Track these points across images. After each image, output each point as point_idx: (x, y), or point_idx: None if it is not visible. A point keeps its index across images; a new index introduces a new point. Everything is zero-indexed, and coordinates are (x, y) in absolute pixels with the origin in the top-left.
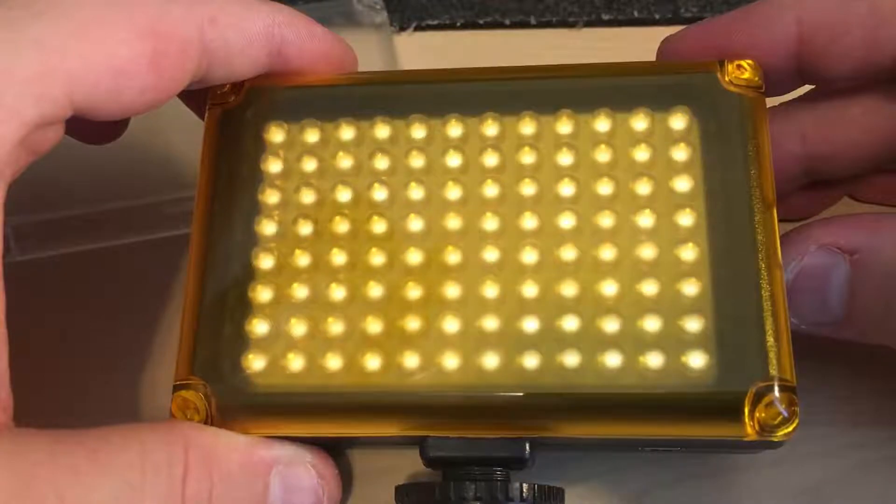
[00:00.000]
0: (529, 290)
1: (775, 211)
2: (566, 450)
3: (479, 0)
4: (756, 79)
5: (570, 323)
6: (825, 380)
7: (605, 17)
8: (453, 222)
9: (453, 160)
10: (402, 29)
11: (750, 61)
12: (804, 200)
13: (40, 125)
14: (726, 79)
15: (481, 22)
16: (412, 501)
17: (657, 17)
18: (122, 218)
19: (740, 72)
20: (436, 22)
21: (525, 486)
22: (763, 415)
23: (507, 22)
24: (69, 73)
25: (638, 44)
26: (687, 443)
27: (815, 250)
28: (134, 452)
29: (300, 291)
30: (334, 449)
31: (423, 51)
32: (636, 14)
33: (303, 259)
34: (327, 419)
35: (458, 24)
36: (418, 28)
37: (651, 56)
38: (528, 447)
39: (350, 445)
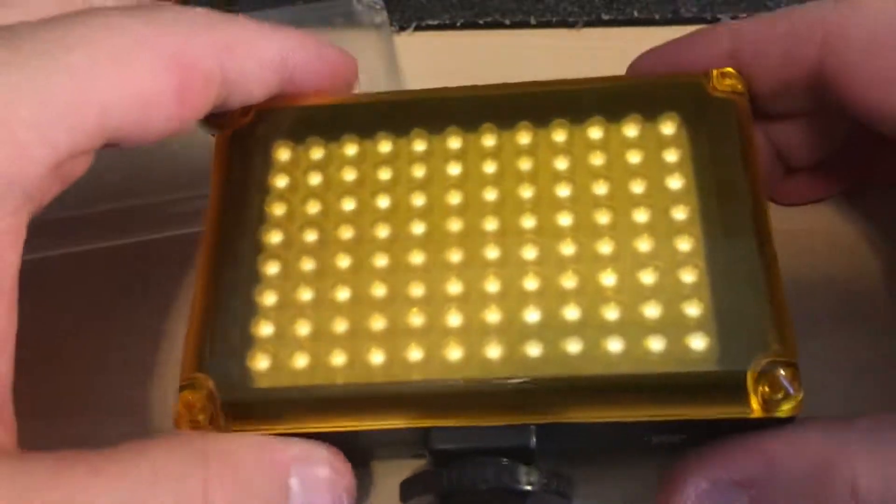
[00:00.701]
0: (530, 284)
1: (765, 201)
2: (572, 447)
3: (479, 0)
4: (739, 85)
5: (572, 313)
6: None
7: (605, 17)
8: (455, 225)
9: (454, 169)
10: (402, 29)
11: (732, 69)
12: (809, 185)
13: (72, 154)
14: (711, 85)
15: (481, 22)
16: (418, 491)
17: (657, 17)
18: (122, 218)
19: (724, 78)
20: (436, 22)
21: (533, 469)
22: (767, 391)
23: (507, 22)
24: (102, 103)
25: (638, 44)
26: (693, 426)
27: (708, 487)
28: (145, 468)
29: (305, 294)
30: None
31: (423, 51)
32: (636, 14)
33: (308, 264)
34: (333, 414)
35: (458, 24)
36: (418, 28)
37: None
38: (533, 437)
39: (357, 454)
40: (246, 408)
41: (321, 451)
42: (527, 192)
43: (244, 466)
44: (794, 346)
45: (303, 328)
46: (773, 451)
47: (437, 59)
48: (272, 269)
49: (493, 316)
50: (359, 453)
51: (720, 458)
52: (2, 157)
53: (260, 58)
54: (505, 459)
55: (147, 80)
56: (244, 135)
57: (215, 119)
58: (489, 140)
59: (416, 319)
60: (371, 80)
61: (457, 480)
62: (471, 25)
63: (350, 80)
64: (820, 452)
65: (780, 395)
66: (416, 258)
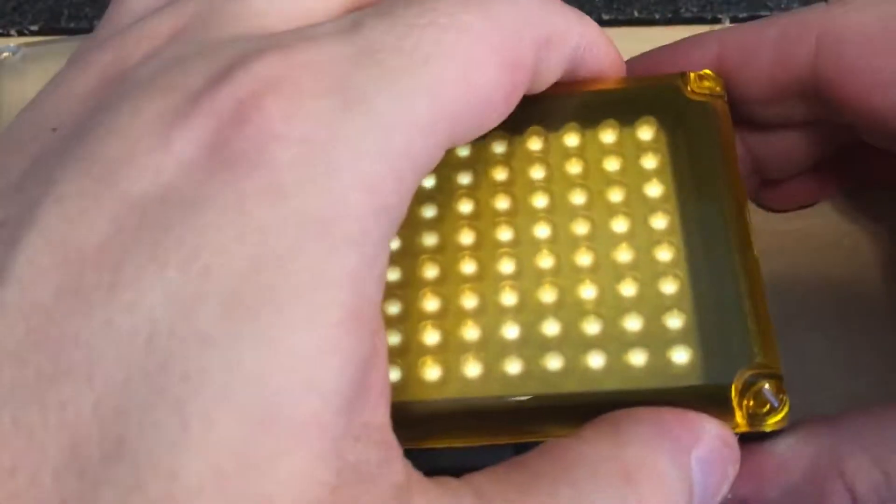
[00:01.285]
0: (508, 298)
1: (746, 207)
2: None
3: None
4: (717, 87)
5: (551, 327)
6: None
7: (605, 17)
8: (430, 239)
9: (428, 182)
10: None
11: (710, 71)
12: (803, 188)
13: (427, 169)
14: (689, 88)
15: None
16: None
17: (657, 17)
18: None
19: (702, 80)
20: None
21: None
22: (751, 404)
23: None
24: (452, 116)
25: (638, 44)
26: None
27: None
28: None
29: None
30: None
31: None
32: (636, 14)
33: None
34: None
35: None
36: None
37: None
38: (511, 456)
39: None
40: None
41: (709, 422)
42: (502, 204)
43: (667, 475)
44: (778, 358)
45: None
46: (766, 467)
47: None
48: None
49: (471, 333)
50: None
51: None
52: (386, 190)
53: (562, 49)
54: None
55: (490, 86)
56: None
57: None
58: (463, 150)
59: (394, 338)
60: None
61: None
62: None
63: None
64: (810, 462)
65: (765, 409)
66: (430, 272)
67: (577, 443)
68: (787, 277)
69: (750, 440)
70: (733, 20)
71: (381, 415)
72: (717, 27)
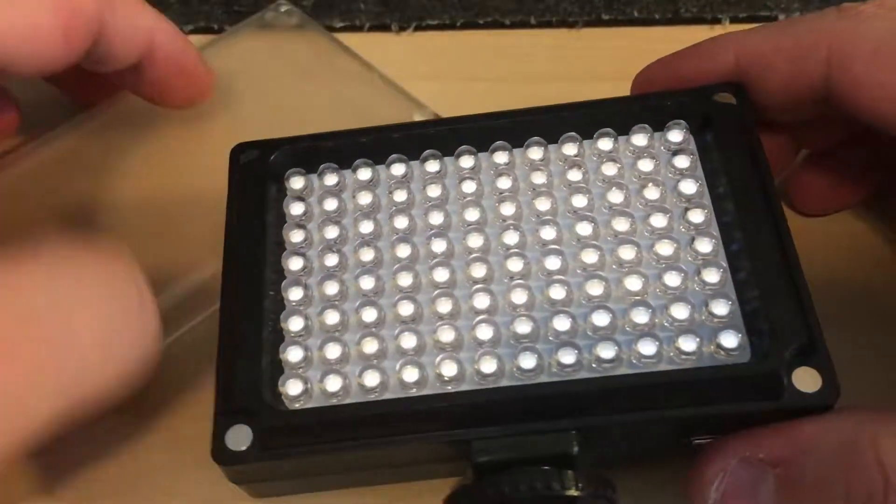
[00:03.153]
0: (557, 293)
1: (777, 196)
2: (612, 453)
3: (479, 0)
4: (742, 92)
5: (602, 318)
6: None
7: (605, 17)
8: (475, 241)
9: (468, 187)
10: (402, 29)
11: (733, 80)
12: (824, 194)
13: None
14: (715, 93)
15: (481, 22)
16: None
17: (657, 17)
18: None
19: (728, 87)
20: (436, 22)
21: (579, 475)
22: (801, 381)
23: (507, 22)
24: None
25: (638, 44)
26: (730, 421)
27: (737, 464)
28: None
29: (331, 317)
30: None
31: (423, 51)
32: (636, 14)
33: (331, 287)
34: (370, 431)
35: (458, 24)
36: (418, 28)
37: (651, 56)
38: (575, 443)
39: (395, 472)
40: (282, 432)
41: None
42: (543, 205)
43: None
44: (822, 337)
45: (332, 351)
46: (802, 432)
47: (437, 59)
48: (296, 294)
49: (523, 326)
50: (397, 471)
51: (749, 438)
52: None
53: (135, 24)
54: (548, 467)
55: (37, 17)
56: (257, 166)
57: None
58: (502, 158)
59: (447, 335)
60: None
61: (505, 489)
62: (471, 25)
63: (204, 91)
64: (848, 433)
65: (814, 386)
66: (440, 275)
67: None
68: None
69: (794, 416)
70: (733, 20)
71: None
72: (716, 27)
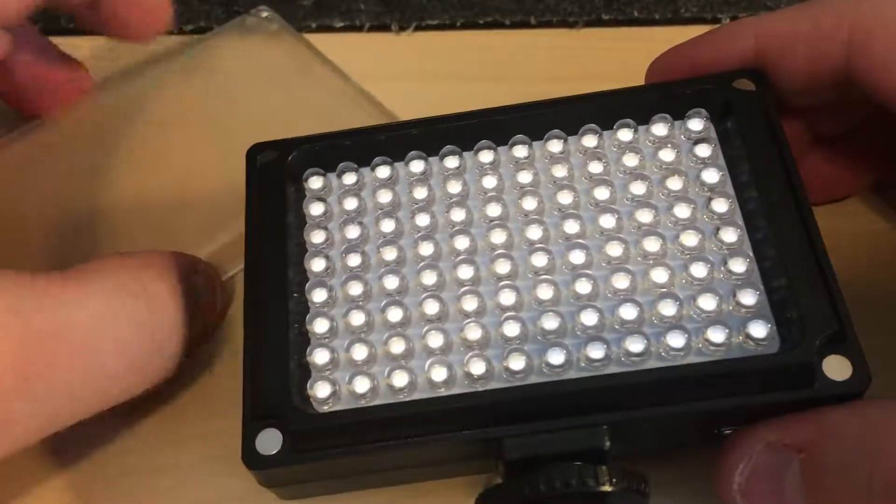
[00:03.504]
0: (583, 287)
1: (801, 183)
2: (644, 447)
3: (479, 0)
4: (763, 78)
5: (629, 312)
6: None
7: (605, 17)
8: (499, 237)
9: (489, 182)
10: (402, 29)
11: (754, 66)
12: (828, 182)
13: None
14: (735, 80)
15: (481, 22)
16: (501, 501)
17: (657, 17)
18: None
19: (748, 73)
20: (436, 22)
21: (613, 469)
22: (832, 370)
23: (507, 22)
24: None
25: (638, 44)
26: (761, 410)
27: (762, 449)
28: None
29: (357, 318)
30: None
31: (423, 51)
32: (636, 14)
33: (355, 288)
34: (400, 431)
35: (458, 24)
36: (418, 28)
37: (651, 56)
38: (607, 437)
39: (427, 470)
40: (312, 435)
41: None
42: (566, 199)
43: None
44: (852, 324)
45: (359, 352)
46: (827, 418)
47: (437, 59)
48: (320, 296)
49: (550, 322)
50: (427, 470)
51: (775, 424)
52: None
53: None
54: (580, 462)
55: None
56: (275, 168)
57: None
58: (521, 151)
59: (475, 333)
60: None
61: (540, 486)
62: (471, 25)
63: (160, 20)
64: (874, 419)
65: (845, 374)
66: (465, 272)
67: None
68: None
69: (824, 404)
70: (733, 20)
71: None
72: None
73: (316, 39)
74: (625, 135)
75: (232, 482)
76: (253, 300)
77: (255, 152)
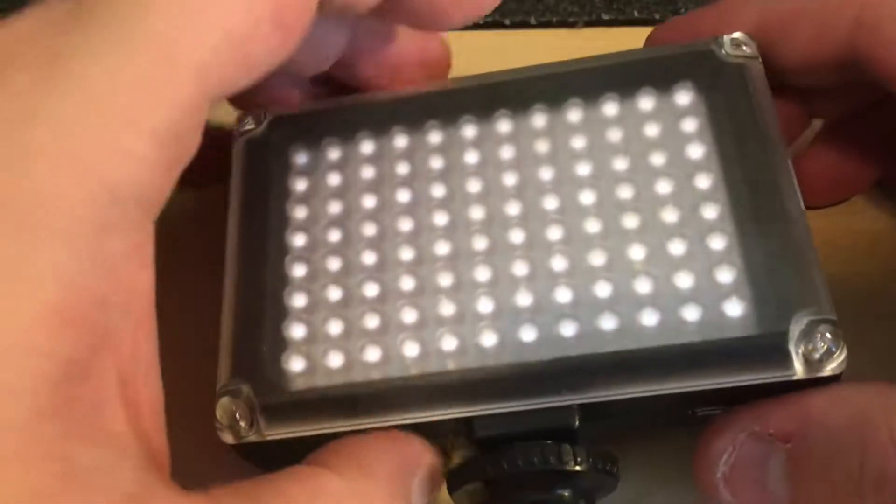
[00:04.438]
0: (559, 264)
1: (788, 160)
2: (615, 426)
3: None
4: (752, 49)
5: (603, 289)
6: None
7: (605, 17)
8: (477, 212)
9: (471, 157)
10: None
11: (744, 34)
12: (832, 181)
13: (179, 137)
14: (723, 51)
15: (482, 22)
16: (465, 479)
17: (657, 17)
18: None
19: (737, 44)
20: None
21: (580, 449)
22: (809, 350)
23: (507, 22)
24: (197, 63)
25: (638, 44)
26: (737, 393)
27: (746, 438)
28: None
29: (334, 293)
30: None
31: None
32: (636, 14)
33: (334, 263)
34: (373, 411)
35: None
36: None
37: None
38: (577, 417)
39: None
40: (285, 410)
41: (429, 454)
42: (547, 174)
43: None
44: (831, 304)
45: (334, 327)
46: (812, 406)
47: None
48: (299, 271)
49: (524, 299)
50: None
51: (759, 412)
52: (108, 169)
53: None
54: (549, 441)
55: (240, 13)
56: (260, 142)
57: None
58: (504, 126)
59: (448, 309)
60: None
61: (503, 465)
62: (471, 25)
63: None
64: (860, 407)
65: (822, 354)
66: (442, 248)
67: (325, 473)
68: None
69: (802, 387)
70: None
71: (119, 419)
72: None
73: None
74: (609, 109)
75: None
76: (232, 273)
77: (241, 122)
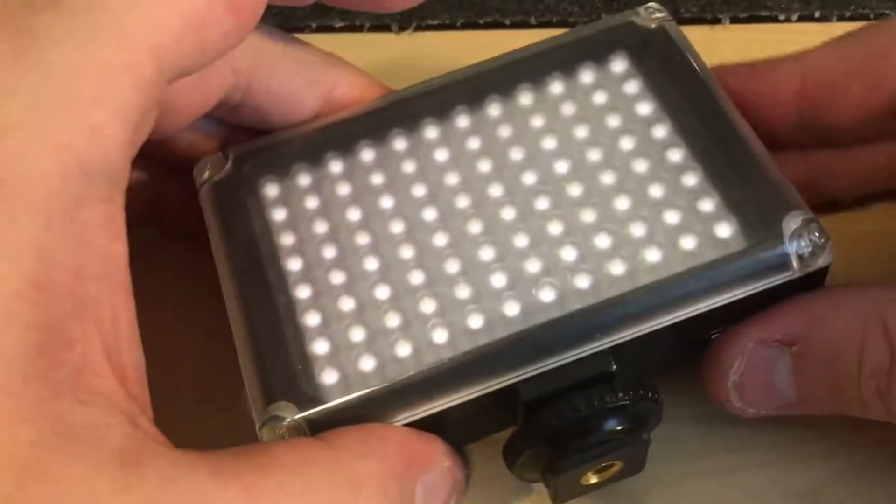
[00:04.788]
0: (555, 228)
1: (725, 94)
2: (644, 364)
3: (479, 0)
4: (665, 14)
5: (604, 241)
6: None
7: (605, 16)
8: (463, 201)
9: (441, 155)
10: (402, 29)
11: (654, 2)
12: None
13: (143, 116)
14: (642, 20)
15: (481, 22)
16: (525, 445)
17: None
18: None
19: (652, 12)
20: (436, 22)
21: (616, 385)
22: (801, 247)
23: (507, 22)
24: (156, 46)
25: None
26: (745, 304)
27: (753, 347)
28: (295, 489)
29: (347, 303)
30: None
31: (423, 51)
32: None
33: (338, 277)
34: (416, 400)
35: (458, 24)
36: (418, 28)
37: None
38: (612, 361)
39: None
40: (332, 422)
41: (443, 453)
42: (517, 155)
43: (390, 494)
44: (804, 203)
45: (357, 334)
46: (814, 309)
47: (437, 59)
48: (305, 292)
49: (533, 266)
50: (449, 437)
51: (764, 321)
52: (78, 146)
53: None
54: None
55: (195, 3)
56: (228, 181)
57: None
58: (464, 121)
59: (464, 292)
60: None
61: (552, 421)
62: (471, 25)
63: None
64: (859, 306)
65: (814, 248)
66: (441, 240)
67: (323, 445)
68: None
69: (801, 287)
70: (733, 20)
71: (106, 381)
72: (716, 27)
73: (316, 39)
74: (556, 87)
75: None
76: (241, 314)
77: (201, 168)
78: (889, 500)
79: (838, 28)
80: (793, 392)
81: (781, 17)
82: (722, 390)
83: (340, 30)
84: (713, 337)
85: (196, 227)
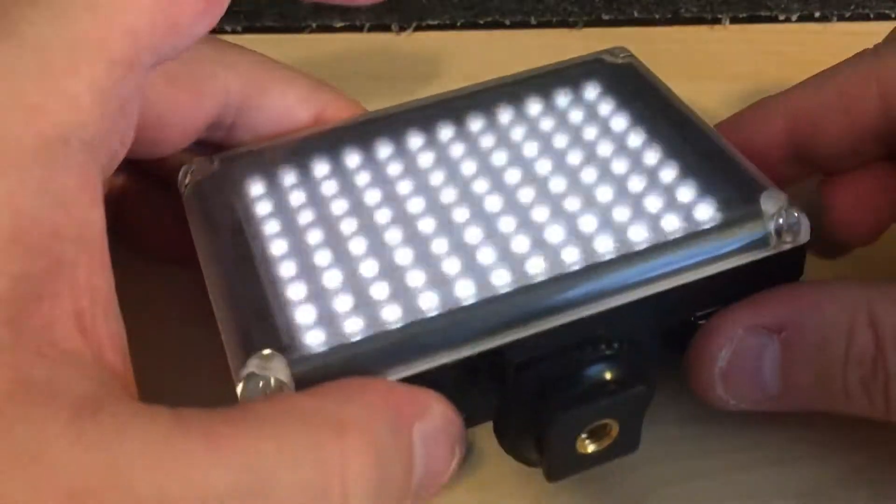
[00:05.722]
0: (541, 214)
1: (684, 104)
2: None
3: (479, 0)
4: (630, 54)
5: (589, 222)
6: None
7: (605, 17)
8: (449, 195)
9: (426, 159)
10: (402, 29)
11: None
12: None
13: (119, 94)
14: (610, 59)
15: (481, 22)
16: (510, 416)
17: (657, 17)
18: None
19: (618, 51)
20: (436, 22)
21: (601, 337)
22: (780, 224)
23: (507, 22)
24: (129, 28)
25: (638, 44)
26: (730, 286)
27: (742, 333)
28: (269, 439)
29: (334, 279)
30: None
31: (423, 51)
32: (636, 14)
33: (325, 257)
34: (401, 359)
35: (458, 24)
36: (418, 28)
37: (650, 56)
38: (600, 327)
39: None
40: (316, 374)
41: (437, 401)
42: (500, 159)
43: (379, 437)
44: (774, 183)
45: (345, 303)
46: (804, 297)
47: (437, 59)
48: (290, 270)
49: (521, 244)
50: None
51: (753, 306)
52: (53, 111)
53: None
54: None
55: None
56: (213, 180)
57: None
58: (447, 133)
59: (454, 266)
60: None
61: (547, 368)
62: (471, 25)
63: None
64: (845, 300)
65: (792, 225)
66: (429, 225)
67: (300, 396)
68: None
69: (782, 268)
70: (733, 20)
71: (72, 340)
72: (716, 27)
73: (316, 39)
74: (534, 108)
75: None
76: (217, 282)
77: (186, 170)
78: (889, 500)
79: (838, 28)
80: (777, 384)
81: (781, 17)
82: (707, 378)
83: (340, 30)
84: (700, 323)
85: (191, 252)
